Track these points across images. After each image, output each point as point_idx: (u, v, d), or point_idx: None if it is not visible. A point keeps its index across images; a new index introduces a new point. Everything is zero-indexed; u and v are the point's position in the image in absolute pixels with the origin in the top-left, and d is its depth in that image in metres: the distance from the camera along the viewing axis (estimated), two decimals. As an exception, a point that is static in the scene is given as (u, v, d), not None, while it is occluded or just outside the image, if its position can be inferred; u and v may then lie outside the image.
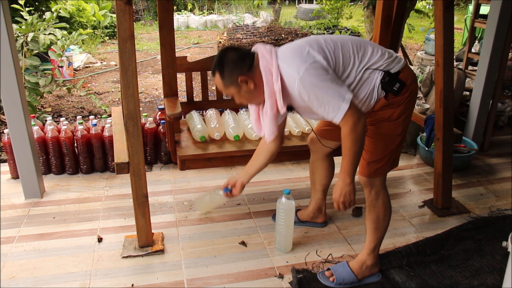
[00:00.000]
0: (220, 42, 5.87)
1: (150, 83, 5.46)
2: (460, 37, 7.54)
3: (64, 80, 4.98)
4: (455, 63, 3.35)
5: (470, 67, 3.62)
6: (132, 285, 1.90)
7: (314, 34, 8.02)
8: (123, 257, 2.06)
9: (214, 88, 2.80)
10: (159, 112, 3.02)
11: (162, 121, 2.94)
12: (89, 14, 7.73)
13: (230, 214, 2.46)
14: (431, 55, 5.36)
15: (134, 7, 10.47)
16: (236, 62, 1.64)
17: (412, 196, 2.70)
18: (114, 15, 4.81)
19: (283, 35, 4.85)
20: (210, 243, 2.19)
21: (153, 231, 2.15)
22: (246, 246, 2.18)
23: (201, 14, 10.84)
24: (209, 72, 2.57)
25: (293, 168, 3.04)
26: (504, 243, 1.59)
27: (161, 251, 2.11)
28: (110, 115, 3.57)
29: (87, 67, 6.12)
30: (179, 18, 9.97)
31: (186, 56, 2.49)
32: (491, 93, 3.17)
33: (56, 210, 2.46)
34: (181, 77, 4.35)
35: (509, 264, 1.55)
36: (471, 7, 6.49)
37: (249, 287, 1.91)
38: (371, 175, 1.80)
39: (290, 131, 2.46)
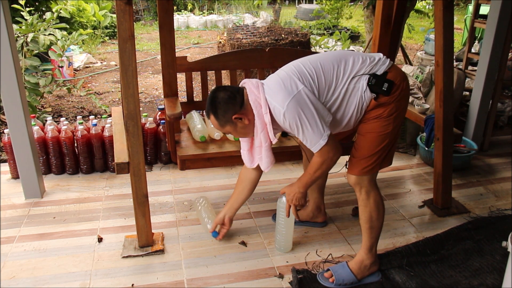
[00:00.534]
0: (220, 42, 5.87)
1: (150, 83, 5.47)
2: (460, 37, 7.54)
3: (64, 80, 4.98)
4: (455, 63, 3.35)
5: (470, 67, 3.63)
6: (132, 285, 1.90)
7: (314, 34, 8.03)
8: (123, 257, 2.06)
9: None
10: (159, 112, 3.02)
11: (162, 121, 2.94)
12: (89, 14, 7.73)
13: (230, 214, 2.46)
14: (431, 55, 5.36)
15: (134, 7, 10.46)
16: (227, 102, 1.74)
17: (412, 196, 2.71)
18: (114, 15, 4.82)
19: (283, 35, 4.85)
20: (210, 243, 2.19)
21: (153, 231, 2.15)
22: (246, 246, 2.19)
23: (201, 14, 10.84)
24: (210, 72, 2.60)
25: (293, 168, 3.04)
26: (504, 243, 1.59)
27: (161, 251, 2.11)
28: (110, 115, 3.57)
29: (87, 67, 6.12)
30: (179, 18, 9.97)
31: (186, 56, 2.49)
32: (491, 93, 3.17)
33: (56, 210, 2.46)
34: (181, 77, 4.35)
35: (509, 264, 1.55)
36: (471, 7, 6.49)
37: (249, 287, 1.91)
38: (360, 173, 1.82)
39: (290, 131, 2.46)
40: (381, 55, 1.80)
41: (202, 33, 9.29)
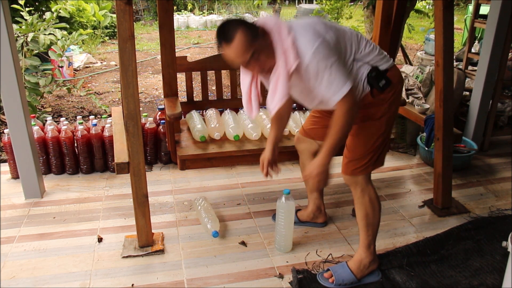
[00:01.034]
0: (220, 42, 5.89)
1: (150, 83, 5.46)
2: (460, 37, 7.54)
3: (64, 80, 4.98)
4: (455, 63, 3.35)
5: (470, 67, 3.62)
6: (132, 285, 1.90)
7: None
8: (123, 257, 2.06)
9: (214, 88, 2.80)
10: (159, 112, 3.02)
11: (162, 121, 2.94)
12: (89, 14, 7.73)
13: (230, 214, 2.46)
14: (431, 55, 5.36)
15: (134, 7, 10.46)
16: (245, 26, 1.54)
17: (412, 196, 2.70)
18: (114, 15, 4.81)
19: (283, 35, 4.84)
20: (210, 243, 2.19)
21: (153, 231, 2.15)
22: (246, 246, 2.18)
23: (201, 14, 10.84)
24: (210, 72, 2.60)
25: (293, 168, 3.04)
26: (504, 243, 1.59)
27: (161, 251, 2.11)
28: (110, 115, 3.57)
29: (87, 67, 6.12)
30: (179, 18, 9.97)
31: (186, 56, 2.49)
32: (491, 93, 3.17)
33: (56, 210, 2.46)
34: (181, 77, 4.35)
35: (509, 264, 1.55)
36: (471, 7, 6.49)
37: (249, 287, 1.91)
38: (353, 173, 1.83)
39: (290, 131, 2.46)
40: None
41: (202, 33, 9.29)
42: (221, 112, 2.62)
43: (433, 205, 2.56)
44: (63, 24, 4.04)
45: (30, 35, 3.58)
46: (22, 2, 3.68)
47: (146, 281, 1.92)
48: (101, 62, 6.40)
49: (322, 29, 1.58)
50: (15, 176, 2.76)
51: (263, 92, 1.78)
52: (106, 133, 2.83)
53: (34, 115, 2.93)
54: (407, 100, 3.08)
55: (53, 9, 4.64)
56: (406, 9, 3.56)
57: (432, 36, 5.55)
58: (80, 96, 4.64)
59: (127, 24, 1.69)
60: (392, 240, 2.25)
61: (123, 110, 1.88)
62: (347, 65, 1.66)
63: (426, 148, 2.95)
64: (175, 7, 11.16)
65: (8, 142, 2.65)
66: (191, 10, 11.29)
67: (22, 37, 3.58)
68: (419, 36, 8.73)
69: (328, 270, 1.95)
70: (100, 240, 2.20)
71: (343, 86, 1.55)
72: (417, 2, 3.83)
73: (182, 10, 11.19)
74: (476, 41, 4.12)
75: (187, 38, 8.56)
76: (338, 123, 1.61)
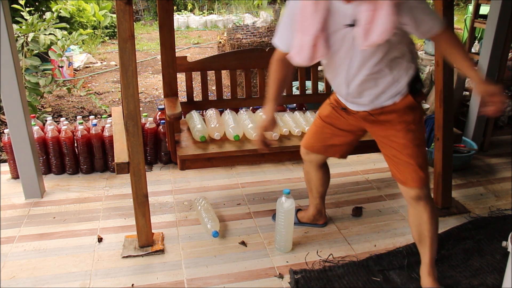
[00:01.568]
0: (220, 42, 5.87)
1: (150, 83, 5.46)
2: (460, 37, 7.53)
3: (64, 80, 4.98)
4: (455, 63, 3.35)
5: (470, 67, 3.62)
6: (132, 285, 1.90)
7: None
8: (123, 257, 2.06)
9: (214, 88, 2.80)
10: (159, 112, 3.02)
11: (162, 121, 2.94)
12: (89, 14, 7.73)
13: (230, 214, 2.46)
14: (431, 55, 5.36)
15: (134, 7, 10.45)
16: None
17: (412, 196, 2.70)
18: (114, 15, 4.81)
19: (283, 35, 4.84)
20: (210, 243, 2.19)
21: (153, 231, 2.15)
22: (246, 246, 2.18)
23: (201, 14, 10.84)
24: (210, 72, 2.60)
25: (293, 168, 3.04)
26: (504, 243, 1.59)
27: (161, 251, 2.11)
28: (110, 115, 3.57)
29: (87, 67, 6.12)
30: (179, 18, 9.97)
31: (186, 56, 2.49)
32: (491, 93, 3.16)
33: (56, 210, 2.46)
34: (181, 77, 4.35)
35: (509, 264, 1.55)
36: (471, 7, 6.49)
37: (249, 287, 1.91)
38: (426, 182, 1.71)
39: (290, 131, 2.46)
40: None
41: (202, 33, 9.29)
42: (221, 112, 2.62)
43: (433, 205, 2.56)
44: (63, 24, 4.04)
45: (30, 35, 3.58)
46: (22, 2, 3.68)
47: (146, 281, 1.92)
48: (101, 62, 6.40)
49: None
50: (15, 176, 2.76)
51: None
52: (106, 133, 2.83)
53: (34, 115, 2.93)
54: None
55: (53, 9, 4.65)
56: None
57: (432, 36, 5.53)
58: (80, 96, 4.64)
59: (127, 24, 1.69)
60: (392, 240, 2.25)
61: (123, 110, 1.88)
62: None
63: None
64: (175, 7, 11.16)
65: (8, 142, 2.65)
66: (191, 10, 11.29)
67: (22, 37, 3.58)
68: (419, 36, 8.72)
69: None
70: (100, 240, 2.20)
71: (438, 18, 1.50)
72: (417, 2, 3.83)
73: (182, 10, 11.19)
74: (476, 41, 4.12)
75: (187, 38, 8.55)
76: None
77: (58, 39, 3.81)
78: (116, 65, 6.18)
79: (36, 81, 3.51)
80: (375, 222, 2.42)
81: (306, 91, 2.80)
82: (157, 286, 1.90)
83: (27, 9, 3.85)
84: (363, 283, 1.94)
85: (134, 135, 1.86)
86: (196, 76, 2.65)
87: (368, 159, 3.14)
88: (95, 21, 7.92)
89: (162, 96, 2.83)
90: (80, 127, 2.77)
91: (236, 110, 2.70)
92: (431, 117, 2.66)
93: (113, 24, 8.20)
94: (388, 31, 1.39)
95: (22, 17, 3.73)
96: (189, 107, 2.59)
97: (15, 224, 2.32)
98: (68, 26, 6.17)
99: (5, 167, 2.89)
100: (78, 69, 5.94)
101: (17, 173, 2.63)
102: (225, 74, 4.88)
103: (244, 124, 2.45)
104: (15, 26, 3.41)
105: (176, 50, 2.36)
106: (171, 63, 2.33)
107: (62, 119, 2.86)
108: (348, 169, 3.01)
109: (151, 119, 3.00)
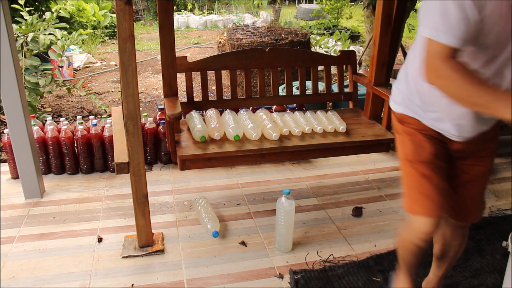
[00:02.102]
0: (220, 42, 5.87)
1: (150, 83, 5.46)
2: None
3: (64, 80, 4.98)
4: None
5: (470, 67, 3.62)
6: (132, 285, 1.90)
7: (314, 34, 8.02)
8: (123, 257, 2.06)
9: (214, 88, 2.80)
10: (159, 112, 3.02)
11: (162, 121, 2.94)
12: (89, 14, 7.73)
13: (230, 214, 2.46)
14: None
15: (134, 7, 10.47)
16: None
17: (412, 196, 2.70)
18: (114, 15, 4.81)
19: (283, 35, 4.84)
20: (210, 243, 2.19)
21: (153, 231, 2.15)
22: (246, 246, 2.18)
23: (201, 14, 10.84)
24: (210, 72, 2.60)
25: (293, 168, 3.04)
26: (504, 243, 1.59)
27: (161, 251, 2.11)
28: (110, 115, 3.57)
29: (87, 67, 6.12)
30: (179, 18, 9.97)
31: (186, 56, 2.49)
32: (491, 93, 3.16)
33: (56, 210, 2.46)
34: (181, 77, 4.35)
35: (509, 264, 1.55)
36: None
37: (249, 287, 1.91)
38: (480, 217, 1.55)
39: (290, 131, 2.46)
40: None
41: (202, 33, 9.29)
42: (221, 112, 2.62)
43: (433, 205, 2.55)
44: (63, 24, 4.04)
45: (30, 35, 3.58)
46: (22, 2, 3.68)
47: (146, 281, 1.92)
48: (101, 62, 6.40)
49: None
50: (15, 176, 2.76)
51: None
52: (106, 133, 2.83)
53: (34, 115, 2.93)
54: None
55: (53, 9, 4.64)
56: (406, 9, 3.56)
57: (432, 36, 5.52)
58: (80, 96, 4.64)
59: (127, 24, 1.69)
60: (392, 240, 2.25)
61: (123, 110, 1.88)
62: None
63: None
64: (175, 7, 11.16)
65: (8, 142, 2.65)
66: (191, 10, 11.30)
67: (22, 37, 3.58)
68: (419, 36, 8.72)
69: None
70: (100, 240, 2.20)
71: None
72: (417, 2, 3.84)
73: (182, 10, 11.19)
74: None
75: (187, 38, 8.55)
76: None
77: (58, 39, 3.81)
78: (116, 65, 6.18)
79: (36, 81, 3.51)
80: (375, 222, 2.42)
81: (306, 91, 2.80)
82: (157, 286, 1.90)
83: (27, 9, 3.85)
84: (363, 283, 1.94)
85: (134, 135, 1.86)
86: (196, 76, 2.65)
87: (368, 159, 3.14)
88: (95, 21, 7.92)
89: (162, 96, 2.83)
90: (80, 127, 2.77)
91: (236, 110, 2.70)
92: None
93: (113, 24, 8.20)
94: None
95: (22, 17, 3.73)
96: (189, 107, 2.59)
97: (15, 224, 2.32)
98: (68, 26, 6.17)
99: (5, 167, 2.89)
100: (78, 69, 5.94)
101: (17, 173, 2.63)
102: (225, 74, 4.88)
103: (244, 124, 2.44)
104: (15, 26, 3.41)
105: (176, 50, 2.36)
106: (171, 63, 2.33)
107: (62, 119, 2.86)
108: (348, 169, 3.01)
109: (151, 119, 3.00)
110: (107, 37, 8.18)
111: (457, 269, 2.02)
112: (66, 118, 3.43)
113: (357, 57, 4.77)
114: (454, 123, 1.35)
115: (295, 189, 2.72)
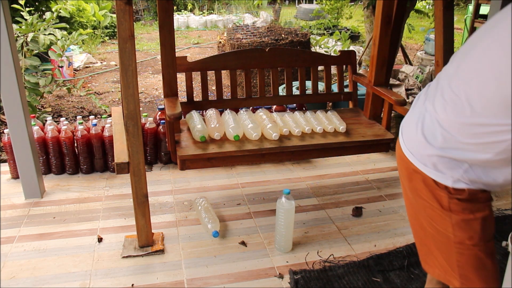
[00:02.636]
0: (220, 42, 5.87)
1: (150, 83, 5.47)
2: (460, 37, 7.54)
3: (64, 80, 4.98)
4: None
5: (470, 67, 3.62)
6: (132, 285, 1.90)
7: (314, 34, 8.03)
8: (123, 257, 2.06)
9: (214, 88, 2.80)
10: (159, 112, 3.02)
11: (162, 121, 2.94)
12: (89, 14, 7.73)
13: (230, 214, 2.46)
14: (431, 55, 5.37)
15: (134, 7, 10.46)
16: None
17: (412, 196, 2.70)
18: (114, 15, 4.81)
19: (283, 35, 4.84)
20: (210, 243, 2.19)
21: (153, 231, 2.15)
22: (246, 246, 2.18)
23: (201, 14, 10.84)
24: (210, 72, 2.60)
25: (293, 168, 3.04)
26: (504, 243, 1.59)
27: (161, 251, 2.11)
28: (110, 115, 3.57)
29: (87, 67, 6.12)
30: (179, 18, 9.97)
31: (186, 56, 2.49)
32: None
33: (56, 210, 2.46)
34: (181, 77, 4.35)
35: (509, 264, 1.55)
36: (471, 7, 6.49)
37: (249, 287, 1.91)
38: None
39: (290, 131, 2.46)
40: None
41: (202, 33, 9.29)
42: (221, 112, 2.62)
43: (433, 205, 2.55)
44: (63, 24, 4.05)
45: (30, 35, 3.59)
46: (22, 2, 3.68)
47: (146, 281, 1.92)
48: (101, 62, 6.40)
49: None
50: (15, 176, 2.76)
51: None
52: (106, 133, 2.83)
53: (34, 115, 2.93)
54: (407, 100, 3.08)
55: (53, 9, 4.64)
56: (406, 9, 3.57)
57: (432, 36, 5.55)
58: (80, 96, 4.64)
59: (127, 24, 1.69)
60: (392, 240, 2.25)
61: (123, 110, 1.88)
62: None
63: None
64: (175, 7, 11.16)
65: (8, 142, 2.65)
66: (191, 10, 11.30)
67: (22, 37, 3.59)
68: (419, 36, 8.73)
69: None
70: (100, 240, 2.20)
71: None
72: (417, 2, 3.84)
73: (182, 10, 11.20)
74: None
75: (187, 38, 8.56)
76: None
77: (58, 39, 3.81)
78: (116, 65, 6.18)
79: (36, 81, 3.51)
80: (375, 222, 2.42)
81: (306, 91, 2.80)
82: (157, 286, 1.90)
83: (27, 9, 3.85)
84: (363, 283, 1.94)
85: (134, 135, 1.86)
86: (196, 76, 2.65)
87: (368, 159, 3.14)
88: (95, 21, 7.92)
89: (162, 96, 2.83)
90: (80, 127, 2.77)
91: (236, 110, 2.70)
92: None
93: (113, 24, 8.20)
94: None
95: (22, 17, 3.74)
96: (189, 107, 2.60)
97: (15, 224, 2.32)
98: (68, 26, 6.17)
99: (5, 167, 2.89)
100: (78, 69, 5.94)
101: (17, 173, 2.63)
102: (225, 74, 4.88)
103: (244, 124, 2.44)
104: (15, 26, 3.41)
105: (176, 50, 2.36)
106: (171, 63, 2.33)
107: (62, 119, 2.86)
108: (348, 169, 3.01)
109: (151, 119, 3.00)
110: (107, 37, 8.18)
111: (457, 269, 2.02)
112: (66, 118, 3.43)
113: (357, 57, 4.77)
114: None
115: (295, 189, 2.72)
